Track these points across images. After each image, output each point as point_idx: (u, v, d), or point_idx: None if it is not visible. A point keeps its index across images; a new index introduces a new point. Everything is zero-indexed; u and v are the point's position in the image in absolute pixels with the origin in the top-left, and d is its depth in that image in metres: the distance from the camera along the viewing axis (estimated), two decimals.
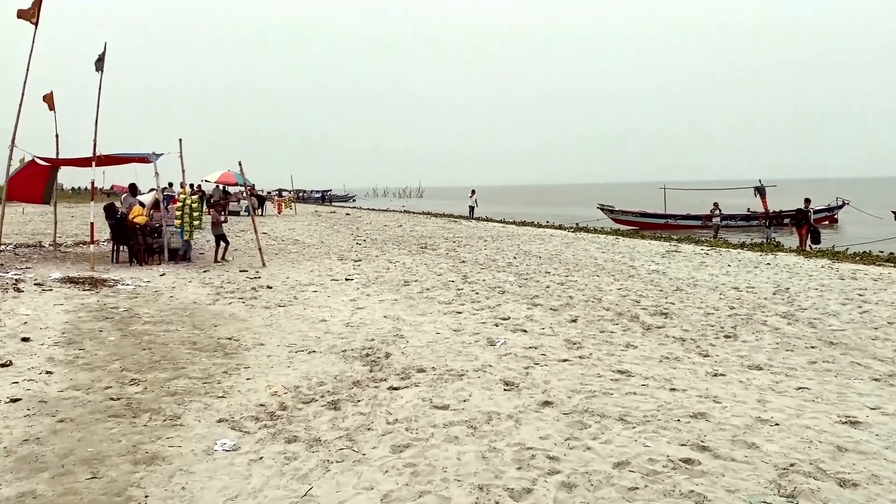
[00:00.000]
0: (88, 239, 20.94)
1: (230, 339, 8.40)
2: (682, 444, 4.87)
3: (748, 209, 38.86)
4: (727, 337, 8.38)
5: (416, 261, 16.50)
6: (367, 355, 7.51)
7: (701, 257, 17.01)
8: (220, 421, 5.49)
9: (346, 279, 13.39)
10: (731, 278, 13.27)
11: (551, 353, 7.58)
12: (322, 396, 6.11)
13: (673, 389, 6.21)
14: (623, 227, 37.62)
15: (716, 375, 6.73)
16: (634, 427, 5.22)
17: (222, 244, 16.55)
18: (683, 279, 13.17)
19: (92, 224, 14.91)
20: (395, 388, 6.30)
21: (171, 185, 34.27)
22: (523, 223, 33.77)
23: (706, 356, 7.48)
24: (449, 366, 7.05)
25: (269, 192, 71.91)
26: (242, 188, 39.34)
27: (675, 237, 26.22)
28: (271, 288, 12.35)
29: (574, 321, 9.21)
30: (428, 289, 12.02)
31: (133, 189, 17.92)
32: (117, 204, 17.99)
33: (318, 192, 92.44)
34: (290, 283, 13.03)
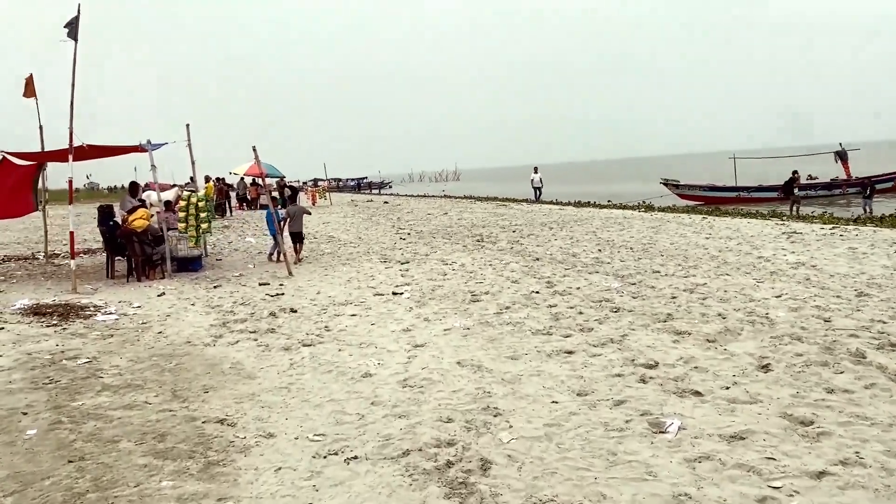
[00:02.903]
0: (93, 247, 18.28)
1: (222, 421, 5.24)
2: None
3: (838, 177, 34.71)
4: None
5: (477, 260, 13.21)
6: (449, 465, 4.26)
7: (839, 240, 13.35)
8: None
9: (394, 293, 10.17)
10: None
11: (774, 445, 4.23)
12: None
13: None
14: (689, 204, 33.90)
15: None
16: None
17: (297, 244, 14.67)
18: (856, 277, 9.62)
19: (72, 234, 11.95)
20: None
21: (192, 179, 31.50)
22: (579, 203, 30.21)
23: None
24: (605, 495, 3.76)
25: (303, 183, 69.31)
26: (274, 180, 36.65)
27: (764, 212, 22.51)
28: (295, 312, 9.20)
29: (764, 368, 5.80)
30: (507, 307, 8.71)
31: (134, 188, 14.93)
32: (115, 206, 15.02)
33: (353, 180, 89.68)
34: (320, 301, 9.86)
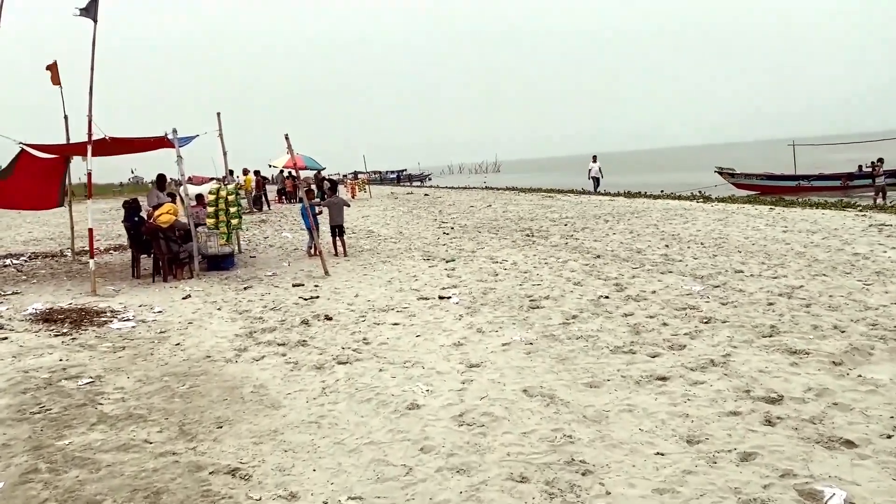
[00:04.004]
0: (123, 243, 17.54)
1: (234, 472, 4.15)
2: None
3: None
4: None
5: (530, 257, 11.98)
6: None
7: None
8: None
9: (441, 297, 9.02)
10: None
11: None
12: None
13: None
14: (746, 193, 32.07)
15: None
16: None
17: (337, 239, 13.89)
18: None
19: (91, 231, 11.05)
20: None
21: (232, 172, 30.82)
22: (629, 194, 28.61)
23: None
24: None
25: (343, 176, 68.63)
26: (313, 172, 35.78)
27: (834, 201, 20.75)
28: (330, 319, 8.11)
29: None
30: (574, 315, 7.47)
31: (161, 181, 14.05)
32: (141, 200, 14.14)
33: (393, 172, 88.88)
34: (358, 306, 8.77)
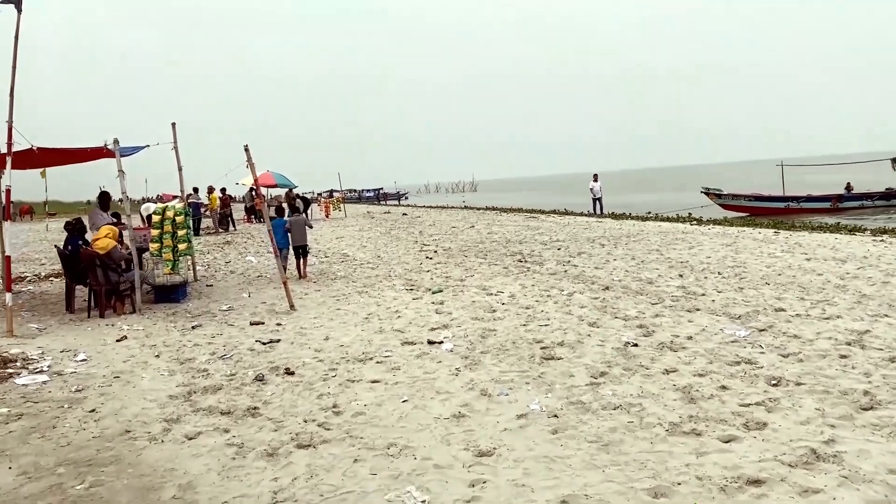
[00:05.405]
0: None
1: None
2: None
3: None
4: None
5: (528, 287, 10.46)
6: None
7: None
8: None
9: (430, 341, 7.42)
10: None
11: None
12: None
13: None
14: (733, 215, 31.03)
15: None
16: None
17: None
18: None
19: (8, 259, 9.31)
20: None
21: (196, 190, 28.99)
22: (614, 215, 27.27)
23: None
24: None
25: (318, 194, 66.87)
26: (282, 191, 34.03)
27: (833, 223, 19.65)
28: (292, 374, 6.47)
29: None
30: (603, 372, 5.90)
31: (104, 200, 12.29)
32: (85, 221, 12.33)
33: (370, 190, 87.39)
34: (329, 354, 7.14)
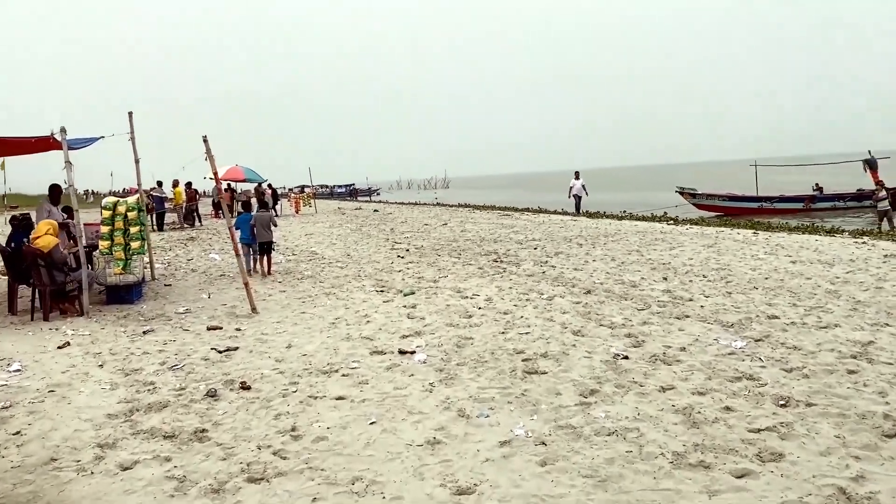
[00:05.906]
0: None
1: None
2: None
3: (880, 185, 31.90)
4: None
5: (505, 290, 9.90)
6: None
7: None
8: None
9: (402, 351, 6.82)
10: None
11: None
12: None
13: None
14: (706, 214, 30.91)
15: None
16: None
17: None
18: None
19: None
20: None
21: (160, 183, 27.96)
22: (589, 214, 26.78)
23: None
24: None
25: (289, 190, 65.74)
26: (253, 185, 33.07)
27: (809, 224, 19.50)
28: (248, 389, 5.82)
29: None
30: (593, 390, 5.33)
31: (55, 193, 11.46)
32: (33, 216, 11.48)
33: (341, 186, 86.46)
34: (290, 366, 6.49)
